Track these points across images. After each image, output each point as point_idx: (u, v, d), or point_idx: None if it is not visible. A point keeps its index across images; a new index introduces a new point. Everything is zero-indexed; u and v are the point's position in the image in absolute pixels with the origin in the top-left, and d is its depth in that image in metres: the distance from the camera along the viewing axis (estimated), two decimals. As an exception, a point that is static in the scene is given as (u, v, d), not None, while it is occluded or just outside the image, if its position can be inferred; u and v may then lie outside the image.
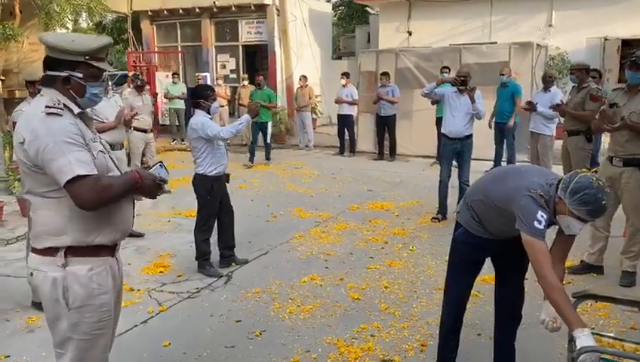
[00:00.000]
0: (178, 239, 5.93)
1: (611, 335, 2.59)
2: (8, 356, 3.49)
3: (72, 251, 2.12)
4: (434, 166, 10.00)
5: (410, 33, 14.35)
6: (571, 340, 2.48)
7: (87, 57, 2.13)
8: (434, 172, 9.55)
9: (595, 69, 6.82)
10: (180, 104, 13.13)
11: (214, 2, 15.04)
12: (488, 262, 3.05)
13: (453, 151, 6.49)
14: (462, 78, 6.32)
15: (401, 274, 4.87)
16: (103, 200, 2.07)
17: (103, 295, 2.19)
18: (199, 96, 4.84)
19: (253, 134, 10.89)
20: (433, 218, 6.52)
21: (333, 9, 20.81)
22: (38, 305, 4.09)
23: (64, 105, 2.12)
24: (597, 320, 3.89)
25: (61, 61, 2.13)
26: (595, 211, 2.43)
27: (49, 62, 2.16)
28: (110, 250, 2.25)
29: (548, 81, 7.52)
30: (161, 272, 4.96)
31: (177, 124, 13.30)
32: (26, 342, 3.68)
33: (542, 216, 2.48)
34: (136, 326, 3.89)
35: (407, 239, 5.88)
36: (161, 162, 2.42)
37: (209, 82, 13.72)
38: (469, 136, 6.44)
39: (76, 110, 2.17)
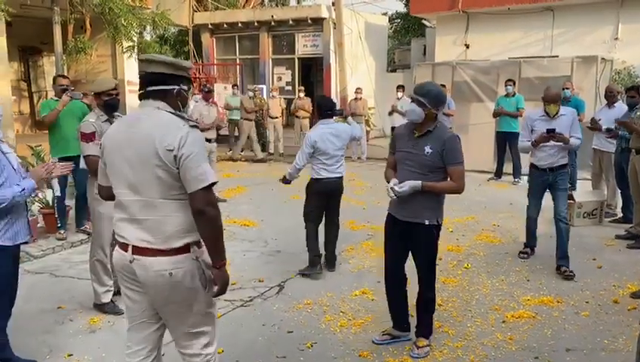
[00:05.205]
0: (232, 247, 6.04)
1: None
2: (71, 354, 3.65)
3: (198, 243, 2.44)
4: (490, 181, 9.79)
5: (467, 46, 14.14)
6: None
7: (187, 73, 2.53)
8: (490, 187, 9.36)
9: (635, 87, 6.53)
10: (238, 115, 13.42)
11: (272, 16, 15.39)
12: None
13: (543, 183, 5.47)
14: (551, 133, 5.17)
15: (455, 292, 4.78)
16: (211, 214, 2.34)
17: None
18: (331, 108, 5.22)
19: None
20: (521, 252, 5.71)
21: (389, 22, 20.81)
22: (99, 307, 4.27)
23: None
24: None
25: (174, 76, 2.45)
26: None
27: (159, 78, 2.43)
28: None
29: (610, 96, 7.22)
30: (215, 280, 5.05)
31: (236, 134, 13.58)
32: (88, 342, 3.84)
33: None
34: (191, 331, 3.98)
35: (462, 256, 5.75)
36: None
37: (265, 94, 14.00)
38: (564, 166, 5.40)
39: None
